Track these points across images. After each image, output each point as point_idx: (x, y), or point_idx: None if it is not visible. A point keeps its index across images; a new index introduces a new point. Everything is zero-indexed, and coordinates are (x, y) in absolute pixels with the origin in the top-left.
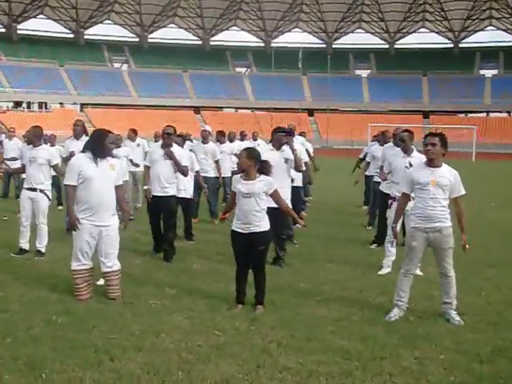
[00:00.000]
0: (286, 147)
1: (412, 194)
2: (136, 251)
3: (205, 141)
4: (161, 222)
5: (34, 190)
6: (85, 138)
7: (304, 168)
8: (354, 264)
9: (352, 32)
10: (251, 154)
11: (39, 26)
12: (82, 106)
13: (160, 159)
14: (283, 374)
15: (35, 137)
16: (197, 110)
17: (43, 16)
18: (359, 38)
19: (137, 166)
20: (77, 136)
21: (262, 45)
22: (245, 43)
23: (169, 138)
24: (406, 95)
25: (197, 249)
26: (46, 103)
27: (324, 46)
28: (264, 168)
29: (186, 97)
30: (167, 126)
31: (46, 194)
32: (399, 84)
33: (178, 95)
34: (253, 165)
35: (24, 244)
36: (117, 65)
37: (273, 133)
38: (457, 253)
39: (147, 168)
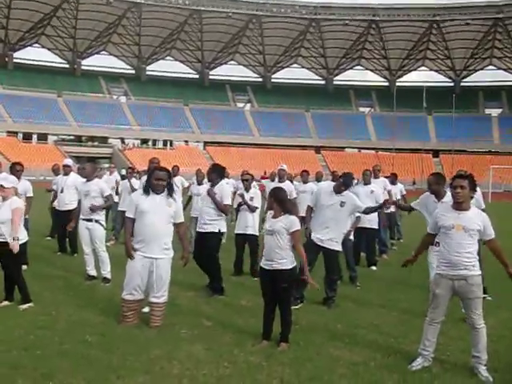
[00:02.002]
0: (346, 192)
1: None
2: (195, 283)
3: (281, 179)
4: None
5: (90, 220)
6: None
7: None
8: (406, 310)
9: (482, 69)
10: (277, 194)
11: (166, 67)
12: (205, 144)
13: (205, 197)
14: None
15: (91, 172)
16: (317, 149)
17: (170, 58)
18: (490, 75)
19: None
20: None
21: (386, 84)
22: (369, 82)
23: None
24: None
25: (253, 285)
26: (171, 141)
27: (451, 84)
28: (289, 207)
29: (308, 136)
30: (154, 158)
31: (100, 223)
32: None
33: (300, 135)
34: (278, 204)
35: (90, 270)
36: (240, 104)
37: (338, 178)
38: None
39: None
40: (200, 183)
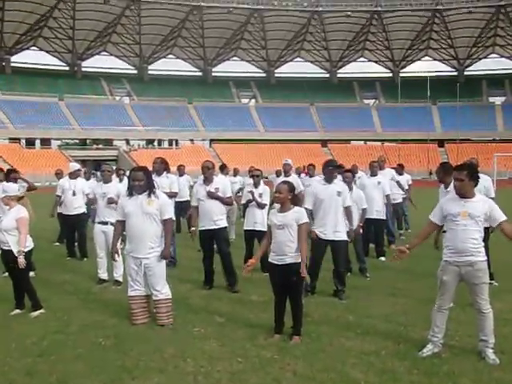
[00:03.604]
0: (337, 180)
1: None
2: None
3: (287, 174)
4: (213, 258)
5: (106, 223)
6: (167, 175)
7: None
8: (415, 298)
9: (485, 57)
10: (291, 187)
11: (168, 65)
12: (211, 141)
13: (205, 196)
14: None
15: (109, 175)
16: (324, 143)
17: (172, 56)
18: (493, 64)
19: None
20: (157, 172)
21: (390, 75)
22: (373, 74)
23: (208, 171)
24: None
25: (264, 280)
26: (176, 140)
27: (455, 73)
28: (297, 200)
29: (313, 130)
30: (157, 158)
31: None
32: None
33: (305, 129)
34: (290, 197)
35: (102, 274)
36: (244, 100)
37: (324, 167)
38: None
39: (195, 208)
40: None
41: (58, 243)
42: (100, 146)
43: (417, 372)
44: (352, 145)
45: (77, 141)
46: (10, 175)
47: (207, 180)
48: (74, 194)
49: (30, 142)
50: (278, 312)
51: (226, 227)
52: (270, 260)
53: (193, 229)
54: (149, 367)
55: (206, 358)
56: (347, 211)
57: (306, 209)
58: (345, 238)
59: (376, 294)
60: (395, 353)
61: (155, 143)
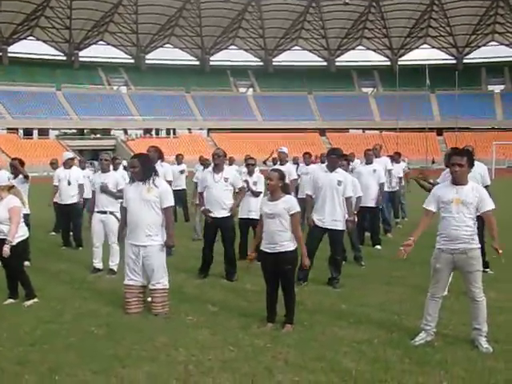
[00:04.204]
0: (340, 169)
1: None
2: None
3: (282, 162)
4: (213, 246)
5: (104, 212)
6: (161, 164)
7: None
8: (410, 287)
9: (484, 45)
10: (281, 174)
11: (166, 55)
12: (209, 130)
13: (213, 183)
14: None
15: (108, 164)
16: (322, 131)
17: (170, 45)
18: (492, 51)
19: None
20: None
21: (388, 63)
22: (371, 62)
23: (218, 159)
24: None
25: (258, 269)
26: (174, 129)
27: (454, 61)
28: (287, 187)
29: (312, 119)
30: (151, 146)
31: (114, 215)
32: None
33: (304, 118)
34: (281, 185)
35: (97, 263)
36: (242, 89)
37: (327, 155)
38: None
39: (200, 194)
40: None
41: (53, 233)
42: (98, 135)
43: (409, 361)
44: (350, 133)
45: (74, 131)
46: (10, 162)
47: (217, 168)
48: (69, 183)
49: (28, 132)
50: (270, 301)
51: (232, 216)
52: (261, 248)
53: (203, 208)
54: (140, 356)
55: (198, 346)
56: (348, 202)
57: (306, 195)
58: (343, 227)
59: (371, 282)
60: (388, 342)
61: (153, 132)
